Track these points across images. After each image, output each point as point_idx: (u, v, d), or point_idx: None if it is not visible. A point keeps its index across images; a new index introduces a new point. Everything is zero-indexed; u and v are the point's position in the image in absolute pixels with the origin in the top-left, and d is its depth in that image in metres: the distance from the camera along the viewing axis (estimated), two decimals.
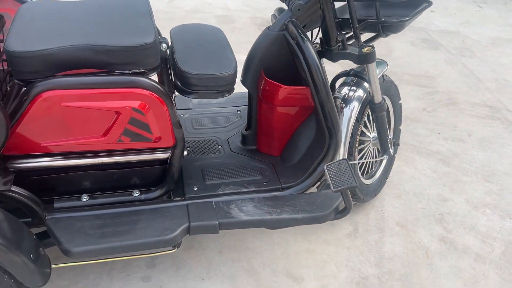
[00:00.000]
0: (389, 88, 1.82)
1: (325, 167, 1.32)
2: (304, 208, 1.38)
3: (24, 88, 1.14)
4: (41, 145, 1.18)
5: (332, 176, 1.29)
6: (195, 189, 1.42)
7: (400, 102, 1.93)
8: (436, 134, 2.39)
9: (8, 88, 1.41)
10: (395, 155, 1.97)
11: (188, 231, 1.29)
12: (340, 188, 1.26)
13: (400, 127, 1.98)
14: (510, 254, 1.73)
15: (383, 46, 3.27)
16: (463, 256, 1.72)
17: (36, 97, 1.10)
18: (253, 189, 1.44)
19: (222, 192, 1.41)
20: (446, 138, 2.36)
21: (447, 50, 3.31)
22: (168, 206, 1.35)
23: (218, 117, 1.77)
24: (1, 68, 1.36)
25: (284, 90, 1.43)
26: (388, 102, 1.86)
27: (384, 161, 1.92)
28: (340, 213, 1.42)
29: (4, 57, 1.31)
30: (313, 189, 1.52)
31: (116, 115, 1.17)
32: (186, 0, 3.79)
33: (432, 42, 3.42)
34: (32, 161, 1.23)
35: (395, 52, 3.23)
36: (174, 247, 1.37)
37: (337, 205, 1.41)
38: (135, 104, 1.16)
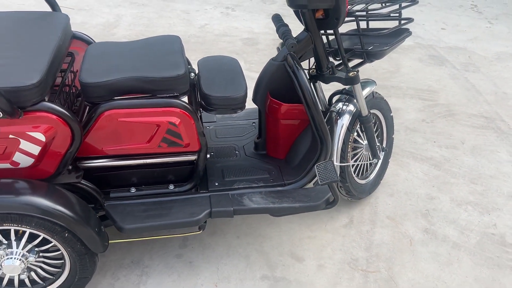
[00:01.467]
0: (379, 103, 2.16)
1: (315, 166, 1.69)
2: (301, 199, 1.76)
3: (90, 108, 1.59)
4: (103, 149, 1.61)
5: (320, 173, 1.66)
6: (216, 184, 1.82)
7: (391, 115, 2.27)
8: (432, 142, 2.70)
9: (76, 107, 1.87)
10: (389, 160, 2.32)
11: (210, 214, 1.69)
12: (325, 182, 1.63)
13: (392, 136, 2.32)
14: (483, 244, 2.04)
15: (392, 63, 3.60)
16: (442, 244, 2.03)
17: (100, 114, 1.54)
18: (261, 184, 1.83)
19: (236, 187, 1.81)
20: (441, 145, 2.67)
21: (452, 66, 3.60)
22: (195, 197, 1.75)
23: (236, 128, 2.17)
24: (72, 92, 1.82)
25: (285, 107, 1.82)
26: (380, 115, 2.21)
27: (378, 165, 2.26)
28: (330, 204, 1.78)
29: (70, 82, 1.78)
30: (310, 185, 1.89)
31: (157, 127, 1.59)
32: (216, 25, 4.25)
33: (439, 58, 3.72)
34: (96, 161, 1.66)
35: (403, 68, 3.55)
36: (200, 229, 1.78)
37: (328, 197, 1.77)
38: (171, 119, 1.57)
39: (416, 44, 3.95)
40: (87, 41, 1.93)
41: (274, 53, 3.79)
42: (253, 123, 2.22)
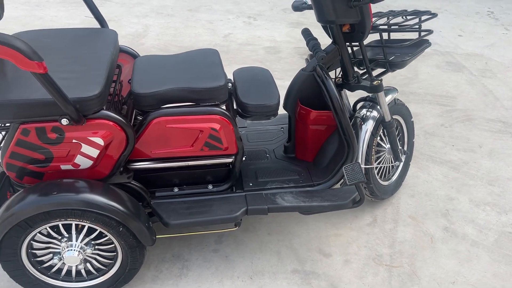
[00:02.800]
0: (401, 109, 2.31)
1: (343, 167, 1.84)
2: (329, 199, 1.91)
3: (141, 115, 1.77)
4: (151, 152, 1.79)
5: (348, 174, 1.81)
6: (251, 184, 1.98)
7: (412, 120, 2.41)
8: (450, 146, 2.82)
9: (122, 113, 2.06)
10: (410, 163, 2.45)
11: (246, 212, 1.85)
12: (353, 182, 1.78)
13: (413, 140, 2.46)
14: (501, 242, 2.15)
15: (411, 70, 3.73)
16: (461, 242, 2.16)
17: (150, 121, 1.71)
18: (291, 185, 1.98)
19: (269, 187, 1.96)
20: (459, 149, 2.79)
21: (469, 72, 3.71)
22: (232, 196, 1.92)
23: (266, 133, 2.33)
24: (119, 100, 2.01)
25: (314, 114, 1.98)
26: (401, 120, 2.35)
27: (400, 167, 2.40)
28: (357, 203, 1.93)
29: (118, 92, 1.96)
30: (337, 186, 2.04)
31: (200, 132, 1.76)
32: (239, 34, 4.43)
33: (456, 64, 3.84)
34: (144, 163, 1.84)
35: (421, 75, 3.67)
36: (236, 225, 1.94)
37: (354, 197, 1.92)
38: (213, 125, 1.74)
39: (433, 51, 4.07)
40: (132, 54, 2.11)
41: (296, 61, 3.98)
42: (281, 128, 2.38)
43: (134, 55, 2.11)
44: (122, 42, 4.22)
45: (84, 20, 4.65)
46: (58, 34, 1.96)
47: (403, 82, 3.55)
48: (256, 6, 5.17)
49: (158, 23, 4.71)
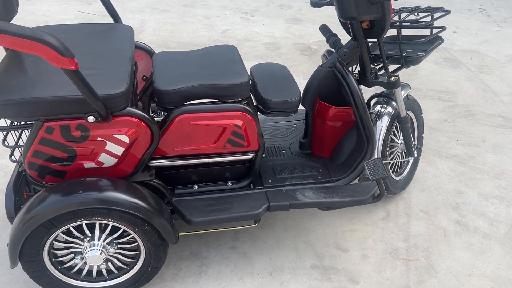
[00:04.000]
0: (413, 105, 2.33)
1: (364, 163, 1.85)
2: (350, 194, 1.92)
3: (165, 112, 1.75)
4: (174, 150, 1.77)
5: (370, 169, 1.83)
6: (270, 181, 1.98)
7: (422, 115, 2.44)
8: (455, 140, 2.87)
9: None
10: (419, 158, 2.49)
11: (268, 209, 1.84)
12: (376, 177, 1.80)
13: (423, 135, 2.49)
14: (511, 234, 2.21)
15: (411, 67, 3.77)
16: (473, 235, 2.20)
17: (174, 118, 1.69)
18: (310, 181, 1.98)
19: (289, 183, 1.97)
20: (463, 144, 2.84)
21: (467, 68, 3.78)
22: (252, 193, 1.91)
23: (279, 129, 2.33)
24: (136, 96, 1.98)
25: (334, 109, 1.99)
26: (412, 116, 2.38)
27: (410, 162, 2.43)
28: (376, 198, 1.94)
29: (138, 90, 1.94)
30: (356, 182, 2.05)
31: (223, 129, 1.75)
32: (237, 30, 4.41)
33: (453, 60, 3.90)
34: (164, 161, 1.82)
35: (421, 71, 3.72)
36: (255, 222, 1.94)
37: (374, 192, 1.93)
38: (236, 122, 1.73)
39: None
40: (147, 50, 2.08)
41: (297, 57, 3.98)
42: (294, 124, 2.38)
43: (149, 51, 2.08)
44: None
45: (78, 15, 4.56)
46: (73, 29, 1.92)
47: (404, 78, 3.58)
48: (252, 2, 5.15)
49: (154, 18, 4.65)
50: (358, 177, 2.04)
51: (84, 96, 1.41)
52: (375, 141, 1.95)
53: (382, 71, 2.07)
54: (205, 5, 5.04)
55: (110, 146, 1.60)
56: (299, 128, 2.32)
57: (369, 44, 2.06)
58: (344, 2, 1.77)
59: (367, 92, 2.33)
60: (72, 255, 1.73)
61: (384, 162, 2.13)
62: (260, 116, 2.40)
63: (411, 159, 2.41)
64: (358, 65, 2.03)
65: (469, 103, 3.28)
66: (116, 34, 1.89)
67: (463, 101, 3.30)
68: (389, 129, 2.13)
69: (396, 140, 2.28)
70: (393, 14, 2.10)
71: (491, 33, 4.46)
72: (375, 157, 2.00)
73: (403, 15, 2.11)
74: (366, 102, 2.23)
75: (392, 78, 1.99)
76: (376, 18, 1.84)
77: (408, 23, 2.09)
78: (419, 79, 3.59)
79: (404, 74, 3.64)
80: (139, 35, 4.24)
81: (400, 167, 2.40)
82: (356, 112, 1.90)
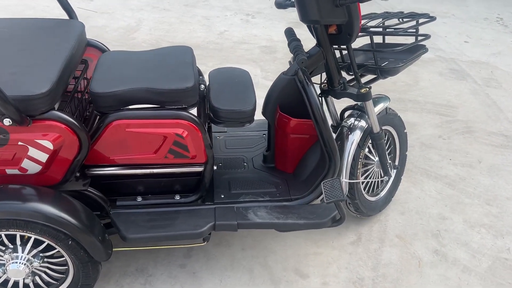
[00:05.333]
0: (393, 119, 2.13)
1: (322, 183, 1.67)
2: (306, 216, 1.73)
3: (99, 117, 1.60)
4: (110, 158, 1.62)
5: (327, 190, 1.64)
6: (222, 196, 1.81)
7: (405, 131, 2.23)
8: (448, 159, 2.64)
9: (88, 113, 1.89)
10: (401, 177, 2.27)
11: (213, 227, 1.68)
12: (331, 200, 1.61)
13: (406, 153, 2.28)
14: (496, 268, 1.97)
15: (411, 76, 3.54)
16: (451, 267, 1.97)
17: (108, 124, 1.55)
18: (267, 198, 1.81)
19: (242, 200, 1.79)
20: (456, 163, 2.60)
21: (473, 81, 3.52)
22: (200, 209, 1.75)
23: (246, 139, 2.16)
24: (84, 98, 1.85)
25: (294, 122, 1.80)
26: (393, 131, 2.17)
27: (390, 182, 2.22)
28: (337, 222, 1.75)
29: (82, 89, 1.80)
30: (318, 201, 1.86)
31: (164, 138, 1.59)
32: (235, 32, 4.26)
33: (460, 72, 3.64)
34: (103, 169, 1.67)
35: (422, 82, 3.48)
36: (204, 240, 1.77)
37: (334, 215, 1.74)
38: (178, 131, 1.57)
39: (437, 57, 3.88)
40: (101, 49, 1.95)
41: None
42: (263, 134, 2.20)
43: (103, 50, 1.94)
44: (113, 36, 4.07)
45: (76, 11, 4.49)
46: (19, 24, 1.80)
47: (402, 89, 3.36)
48: (256, 4, 4.99)
49: (152, 17, 4.55)
50: (320, 197, 1.85)
51: None
52: (337, 159, 1.76)
53: (354, 82, 1.88)
54: (207, 5, 4.91)
55: (33, 152, 1.47)
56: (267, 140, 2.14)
57: (345, 51, 1.87)
58: (306, 4, 1.59)
59: (343, 102, 2.14)
60: None
61: (353, 181, 1.93)
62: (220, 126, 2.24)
63: (390, 179, 2.20)
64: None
65: (470, 118, 3.03)
66: (63, 30, 1.76)
67: (464, 117, 3.05)
68: (360, 145, 1.94)
69: (372, 158, 2.08)
70: (373, 19, 1.91)
71: (505, 44, 4.17)
72: (341, 175, 1.81)
73: (385, 20, 1.92)
74: (340, 113, 2.05)
75: (363, 89, 1.79)
76: (343, 23, 1.65)
77: (392, 29, 1.90)
78: (419, 90, 3.36)
79: (404, 85, 3.42)
80: (133, 34, 4.15)
81: (377, 187, 2.19)
82: (316, 126, 1.72)
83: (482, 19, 4.72)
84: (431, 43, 4.14)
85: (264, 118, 1.94)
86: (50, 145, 1.46)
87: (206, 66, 3.60)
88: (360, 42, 2.13)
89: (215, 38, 4.13)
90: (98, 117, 1.76)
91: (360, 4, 1.63)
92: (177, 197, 1.78)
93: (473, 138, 2.83)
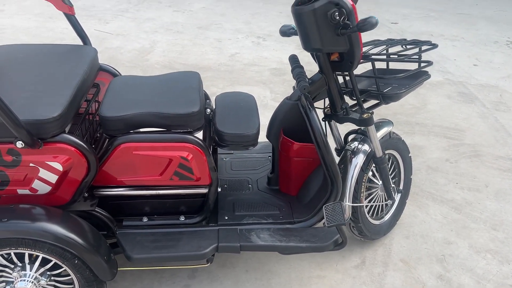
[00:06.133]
0: (397, 144, 2.15)
1: (324, 207, 1.69)
2: (309, 239, 1.75)
3: (108, 140, 1.67)
4: (117, 179, 1.68)
5: (328, 214, 1.66)
6: (226, 218, 1.84)
7: (409, 155, 2.25)
8: (454, 183, 2.63)
9: (98, 135, 1.96)
10: (406, 201, 2.28)
11: (216, 249, 1.71)
12: (332, 224, 1.63)
13: (410, 177, 2.29)
14: None
15: (419, 99, 3.56)
16: None
17: (116, 147, 1.61)
18: (270, 221, 1.84)
19: (246, 222, 1.82)
20: (463, 187, 2.60)
21: (482, 104, 3.52)
22: (203, 230, 1.79)
23: (252, 161, 2.20)
24: (95, 120, 1.92)
25: (297, 145, 1.84)
26: (397, 155, 2.19)
27: (394, 206, 2.23)
28: (339, 245, 1.77)
29: (94, 111, 1.87)
30: (320, 224, 1.88)
31: (169, 161, 1.64)
32: (246, 54, 4.35)
33: (468, 95, 3.65)
34: (110, 190, 1.73)
35: (430, 105, 3.50)
36: (208, 261, 1.80)
37: (336, 239, 1.76)
38: (183, 154, 1.62)
39: (445, 80, 3.90)
40: (112, 73, 2.02)
41: None
42: (268, 156, 2.24)
43: (114, 74, 2.02)
44: (127, 57, 4.18)
45: (93, 33, 4.64)
46: (35, 49, 1.89)
47: (410, 112, 3.38)
48: (267, 26, 5.10)
49: (166, 39, 4.67)
50: (323, 221, 1.86)
51: (5, 123, 1.35)
52: (340, 183, 1.79)
53: (357, 107, 1.92)
54: (219, 28, 5.03)
55: (43, 173, 1.53)
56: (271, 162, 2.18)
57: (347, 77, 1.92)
58: (308, 33, 1.64)
59: (349, 125, 2.18)
60: (4, 284, 1.65)
61: (357, 205, 1.95)
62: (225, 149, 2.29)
63: (395, 203, 2.21)
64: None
65: (477, 142, 3.03)
66: (76, 56, 1.84)
67: (471, 140, 3.05)
68: (363, 169, 1.96)
69: (376, 181, 2.10)
70: (376, 46, 1.96)
71: None
72: (343, 199, 1.83)
73: (391, 49, 1.96)
74: (343, 137, 2.09)
75: (365, 115, 1.82)
76: (344, 51, 1.70)
77: (396, 56, 1.94)
78: (426, 113, 3.37)
79: (412, 108, 3.44)
80: (147, 56, 4.26)
81: (382, 211, 2.20)
82: (318, 150, 1.75)
83: (492, 43, 4.74)
84: (440, 66, 4.17)
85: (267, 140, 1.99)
86: (60, 167, 1.52)
87: (217, 88, 3.68)
88: (365, 67, 2.18)
89: (226, 60, 4.22)
90: (107, 139, 1.83)
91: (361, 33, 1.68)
92: (182, 218, 1.82)
93: (481, 162, 2.82)
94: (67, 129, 1.54)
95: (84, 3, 5.73)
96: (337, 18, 1.57)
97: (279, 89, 3.71)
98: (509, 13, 5.75)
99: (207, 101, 1.93)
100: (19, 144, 1.44)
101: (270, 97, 3.57)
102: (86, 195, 1.68)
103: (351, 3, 1.59)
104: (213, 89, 3.65)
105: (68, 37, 4.59)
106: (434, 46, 1.96)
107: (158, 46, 4.50)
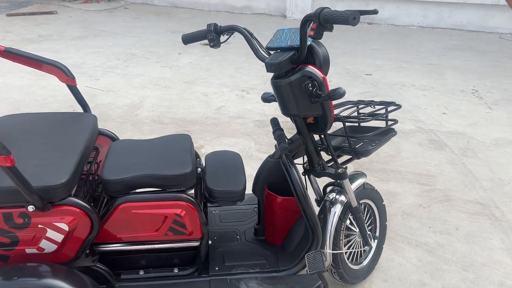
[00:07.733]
0: (370, 193, 2.36)
1: (306, 255, 1.87)
2: (293, 286, 1.92)
3: (107, 199, 1.84)
4: (117, 236, 1.84)
5: (310, 262, 1.84)
6: (216, 268, 2.00)
7: (383, 203, 2.46)
8: (427, 227, 2.84)
9: (97, 193, 2.13)
10: (383, 246, 2.47)
11: None
12: (314, 271, 1.80)
13: (385, 223, 2.49)
14: None
15: (393, 147, 3.83)
16: None
17: (117, 207, 1.78)
18: (257, 270, 2.00)
19: (235, 272, 1.98)
20: (435, 231, 2.80)
21: (451, 151, 3.80)
22: (196, 281, 1.94)
23: (239, 213, 2.38)
24: (95, 180, 2.09)
25: (280, 199, 2.04)
26: (372, 204, 2.40)
27: (372, 251, 2.41)
28: None
29: (94, 172, 2.05)
30: (304, 271, 2.05)
31: (164, 218, 1.82)
32: (231, 107, 4.61)
33: (438, 143, 3.93)
34: (110, 246, 1.88)
35: (403, 152, 3.76)
36: None
37: (318, 285, 1.92)
38: (177, 211, 1.81)
39: (417, 128, 4.19)
40: (110, 137, 2.22)
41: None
42: (255, 207, 2.43)
43: (112, 138, 2.22)
44: (117, 112, 4.40)
45: (84, 90, 4.87)
46: (39, 118, 2.08)
47: (385, 160, 3.63)
48: (250, 80, 5.41)
49: (155, 94, 4.92)
50: (306, 268, 2.03)
51: (20, 190, 1.52)
52: (319, 232, 1.97)
53: (332, 162, 2.14)
54: (206, 82, 5.32)
55: (50, 233, 1.69)
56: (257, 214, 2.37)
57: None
58: (286, 101, 1.88)
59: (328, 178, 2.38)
60: None
61: (337, 252, 2.13)
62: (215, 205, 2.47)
63: (372, 249, 2.39)
64: None
65: (448, 187, 3.27)
66: (77, 124, 2.04)
67: (442, 186, 3.29)
68: (341, 218, 2.15)
69: (354, 229, 2.29)
70: (347, 108, 2.21)
71: (480, 115, 4.51)
72: (324, 247, 2.01)
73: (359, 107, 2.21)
74: (322, 188, 2.29)
75: (340, 170, 2.04)
76: (318, 115, 1.94)
77: (368, 117, 2.19)
78: (400, 161, 3.62)
79: (386, 156, 3.69)
80: (137, 111, 4.48)
81: (361, 256, 2.38)
82: (299, 203, 1.95)
83: (459, 91, 5.11)
84: (412, 115, 4.48)
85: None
86: (66, 227, 1.68)
87: (204, 140, 3.89)
88: (339, 125, 2.42)
89: (212, 113, 4.46)
90: (106, 199, 2.00)
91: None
92: (176, 270, 1.97)
93: (451, 206, 3.05)
94: (72, 192, 1.72)
95: (75, 61, 6.01)
96: (310, 88, 1.82)
97: (263, 140, 3.94)
98: (474, 63, 6.21)
99: (198, 159, 2.14)
100: (31, 208, 1.60)
101: (254, 148, 3.79)
102: (88, 251, 1.83)
103: (322, 76, 1.84)
104: (201, 141, 3.86)
105: (59, 94, 4.81)
106: (399, 106, 2.22)
107: (147, 101, 4.74)
